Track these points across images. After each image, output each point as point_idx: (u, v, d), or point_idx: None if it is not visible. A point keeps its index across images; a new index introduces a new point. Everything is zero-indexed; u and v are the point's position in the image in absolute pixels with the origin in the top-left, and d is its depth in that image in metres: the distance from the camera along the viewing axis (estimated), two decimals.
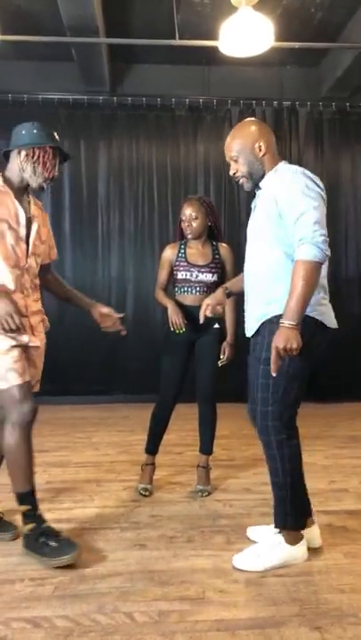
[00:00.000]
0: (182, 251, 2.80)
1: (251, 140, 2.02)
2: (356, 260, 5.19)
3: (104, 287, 5.03)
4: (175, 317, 2.67)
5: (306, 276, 1.81)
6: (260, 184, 2.08)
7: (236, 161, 2.06)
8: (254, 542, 2.17)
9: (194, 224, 2.73)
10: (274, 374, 1.88)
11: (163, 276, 2.85)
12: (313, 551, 2.15)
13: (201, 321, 2.33)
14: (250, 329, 2.10)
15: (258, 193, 2.11)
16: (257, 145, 2.02)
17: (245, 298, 2.15)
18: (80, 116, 4.97)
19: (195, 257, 2.78)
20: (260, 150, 2.02)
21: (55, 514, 2.53)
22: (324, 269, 1.98)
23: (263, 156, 2.03)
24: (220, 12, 3.98)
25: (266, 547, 2.06)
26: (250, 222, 2.14)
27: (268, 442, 2.02)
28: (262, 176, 2.06)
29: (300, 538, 2.08)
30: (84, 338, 4.93)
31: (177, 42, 3.98)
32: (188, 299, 2.76)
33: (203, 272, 2.73)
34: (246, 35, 3.34)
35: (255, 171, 2.05)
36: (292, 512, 2.06)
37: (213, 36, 3.71)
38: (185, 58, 4.86)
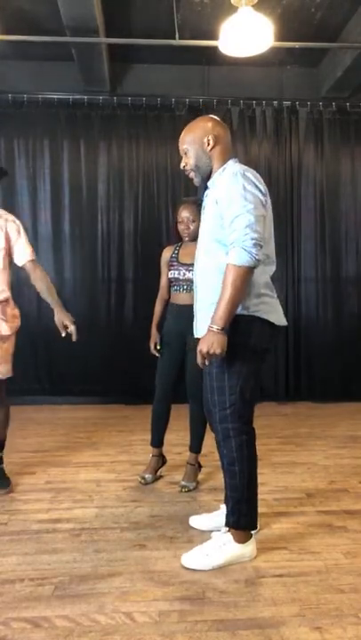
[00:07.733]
0: (176, 251, 2.92)
1: (201, 133, 2.03)
2: (356, 260, 5.18)
3: (104, 287, 5.01)
4: (150, 342, 2.96)
5: (235, 282, 1.81)
6: (209, 183, 2.07)
7: (186, 154, 2.08)
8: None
9: (191, 227, 2.80)
10: (202, 367, 1.93)
11: (163, 278, 2.98)
12: (313, 551, 2.15)
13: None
14: (200, 330, 2.06)
15: (207, 192, 2.11)
16: (206, 139, 2.01)
17: (195, 300, 2.14)
18: (80, 116, 4.95)
19: (185, 256, 2.86)
20: (208, 144, 2.02)
21: (55, 514, 2.53)
22: (271, 269, 2.00)
23: (211, 149, 2.02)
24: (220, 12, 3.98)
25: (215, 545, 2.06)
26: (200, 223, 2.14)
27: (229, 444, 2.01)
28: (210, 172, 2.06)
29: (250, 536, 2.09)
30: (84, 338, 4.92)
31: (177, 42, 3.97)
32: (180, 297, 2.86)
33: (190, 270, 2.77)
34: (246, 35, 3.34)
35: (202, 164, 2.05)
36: (248, 513, 2.06)
37: (213, 36, 3.70)
38: (185, 58, 4.85)
